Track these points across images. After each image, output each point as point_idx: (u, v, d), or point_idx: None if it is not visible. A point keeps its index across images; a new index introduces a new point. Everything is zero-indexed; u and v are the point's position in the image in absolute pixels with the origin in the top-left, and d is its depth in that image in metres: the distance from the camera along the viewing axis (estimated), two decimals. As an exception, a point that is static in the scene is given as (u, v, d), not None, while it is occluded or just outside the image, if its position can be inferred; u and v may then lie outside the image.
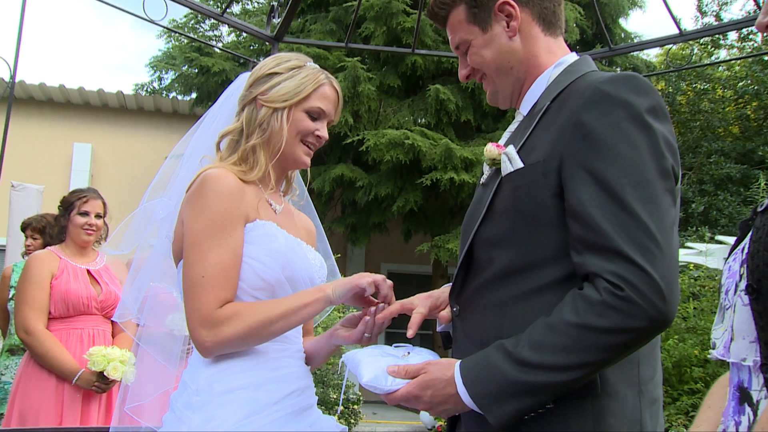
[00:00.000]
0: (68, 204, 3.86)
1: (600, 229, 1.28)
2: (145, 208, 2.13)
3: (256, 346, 1.77)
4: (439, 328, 1.78)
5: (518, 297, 1.41)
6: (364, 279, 1.76)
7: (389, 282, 1.79)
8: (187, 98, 12.78)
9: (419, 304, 1.73)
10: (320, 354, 1.96)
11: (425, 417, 9.07)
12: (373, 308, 1.80)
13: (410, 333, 1.64)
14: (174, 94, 13.40)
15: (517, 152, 1.46)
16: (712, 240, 8.83)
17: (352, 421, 7.76)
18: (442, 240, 10.26)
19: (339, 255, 2.29)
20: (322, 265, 1.99)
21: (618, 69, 11.43)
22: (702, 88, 14.16)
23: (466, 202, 9.83)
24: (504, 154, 1.48)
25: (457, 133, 10.80)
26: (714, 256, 7.51)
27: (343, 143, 10.38)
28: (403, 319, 1.75)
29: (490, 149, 1.53)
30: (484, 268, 1.49)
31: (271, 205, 1.92)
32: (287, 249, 1.82)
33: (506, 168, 1.46)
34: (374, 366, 1.53)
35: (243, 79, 2.01)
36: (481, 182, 1.61)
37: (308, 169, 2.03)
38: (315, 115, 1.91)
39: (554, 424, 1.36)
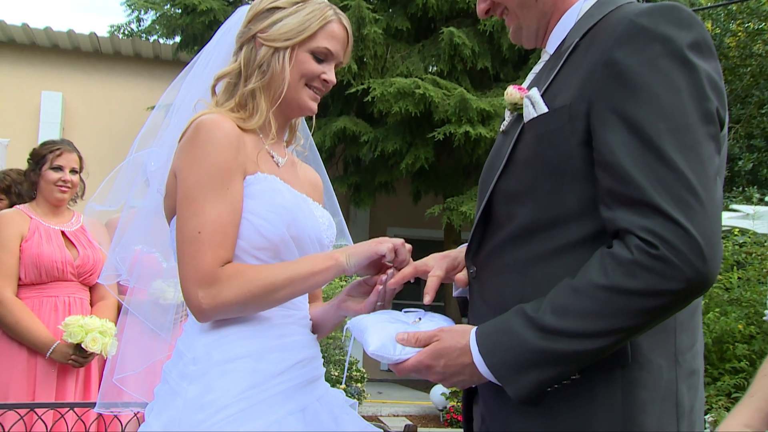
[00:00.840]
0: (39, 157, 3.81)
1: (632, 181, 1.27)
2: (134, 158, 2.13)
3: (255, 313, 1.78)
4: (455, 293, 1.78)
5: (540, 257, 1.42)
6: (383, 245, 1.75)
7: (408, 245, 1.79)
8: (170, 42, 12.61)
9: (435, 265, 1.72)
10: (327, 324, 1.98)
11: (436, 397, 9.19)
12: (384, 276, 1.79)
13: (427, 299, 1.65)
14: (155, 36, 13.23)
15: (542, 96, 1.45)
16: (760, 202, 8.80)
17: (356, 400, 7.87)
18: (455, 202, 10.22)
19: (341, 218, 2.31)
20: (330, 223, 1.99)
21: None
22: (756, 27, 13.87)
23: (482, 160, 9.76)
24: (526, 97, 1.47)
25: (473, 82, 10.71)
26: (762, 219, 7.50)
27: (346, 93, 10.28)
28: (410, 289, 1.75)
29: (512, 92, 1.52)
30: (504, 225, 1.49)
31: (273, 157, 1.91)
32: (293, 205, 1.82)
33: (529, 113, 1.46)
34: (382, 333, 1.53)
35: (242, 14, 1.97)
36: (501, 130, 1.61)
37: (313, 118, 2.03)
38: (321, 57, 1.88)
39: (579, 397, 1.37)
